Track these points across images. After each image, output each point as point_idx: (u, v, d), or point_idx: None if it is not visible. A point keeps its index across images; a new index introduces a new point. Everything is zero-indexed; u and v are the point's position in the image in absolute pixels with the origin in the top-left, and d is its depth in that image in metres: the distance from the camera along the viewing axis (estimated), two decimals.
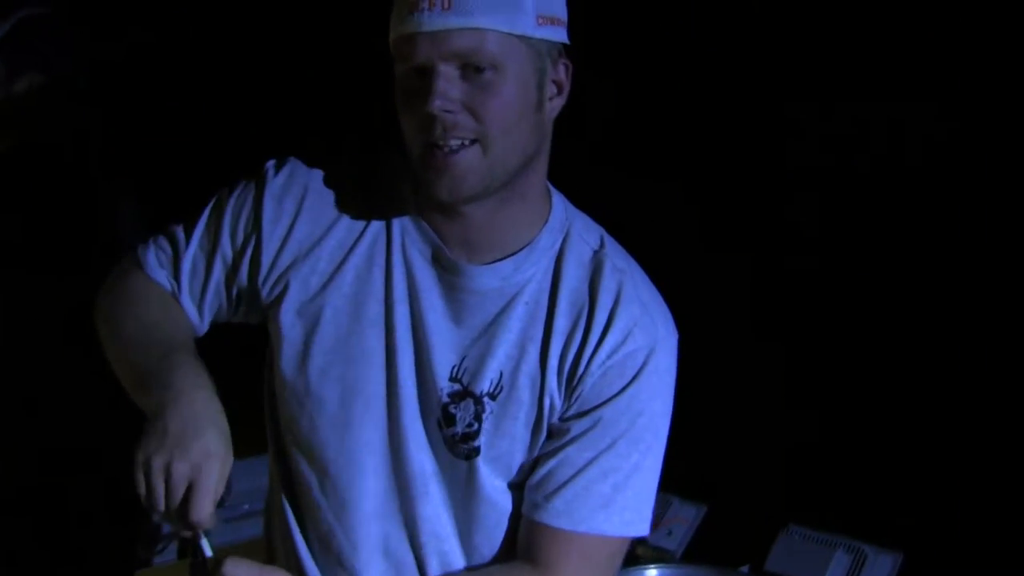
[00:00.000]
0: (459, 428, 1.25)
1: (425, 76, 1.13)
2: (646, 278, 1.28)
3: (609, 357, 1.22)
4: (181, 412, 1.11)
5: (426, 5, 1.11)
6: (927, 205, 2.28)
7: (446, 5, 1.10)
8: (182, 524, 1.10)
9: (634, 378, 1.22)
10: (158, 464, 1.08)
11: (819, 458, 2.66)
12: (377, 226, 1.27)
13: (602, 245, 1.27)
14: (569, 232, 1.27)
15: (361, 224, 1.27)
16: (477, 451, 1.26)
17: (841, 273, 2.45)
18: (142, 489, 1.09)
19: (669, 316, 1.27)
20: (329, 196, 1.28)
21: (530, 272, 1.24)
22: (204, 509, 1.08)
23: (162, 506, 1.09)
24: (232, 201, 1.31)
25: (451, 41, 1.11)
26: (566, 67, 1.21)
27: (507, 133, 1.16)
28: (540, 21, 1.15)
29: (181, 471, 1.07)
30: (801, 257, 2.53)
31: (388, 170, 1.29)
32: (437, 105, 1.12)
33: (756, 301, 2.60)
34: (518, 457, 1.27)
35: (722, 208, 2.72)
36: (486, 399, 1.24)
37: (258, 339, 1.43)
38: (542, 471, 1.25)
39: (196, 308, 1.33)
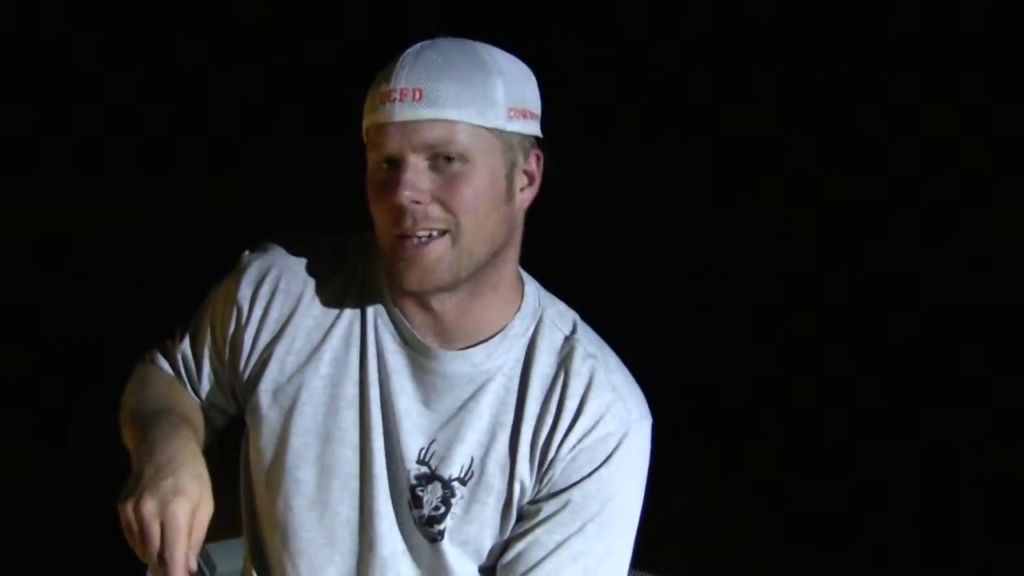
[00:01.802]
0: (425, 511, 1.26)
1: (395, 166, 1.15)
2: (620, 363, 1.28)
3: (580, 441, 1.22)
4: (155, 459, 1.13)
5: (397, 96, 1.12)
6: None
7: (417, 96, 1.12)
8: (163, 569, 1.10)
9: (605, 461, 1.22)
10: (128, 507, 1.09)
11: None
12: (353, 307, 1.27)
13: (574, 331, 1.27)
14: (542, 318, 1.27)
15: (338, 305, 1.27)
16: (442, 534, 1.26)
17: None
18: (127, 537, 1.11)
19: (643, 400, 1.27)
20: (305, 277, 1.28)
21: (502, 359, 1.24)
22: (175, 546, 1.07)
23: (139, 549, 1.10)
24: (217, 294, 1.33)
25: (422, 132, 1.12)
26: (537, 158, 1.21)
27: (476, 223, 1.16)
28: (511, 114, 1.16)
29: (149, 509, 1.08)
30: None
31: (362, 251, 1.29)
32: (406, 196, 1.13)
33: None
34: (487, 541, 1.27)
35: None
36: (456, 484, 1.25)
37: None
38: (512, 553, 1.25)
39: (197, 397, 1.36)
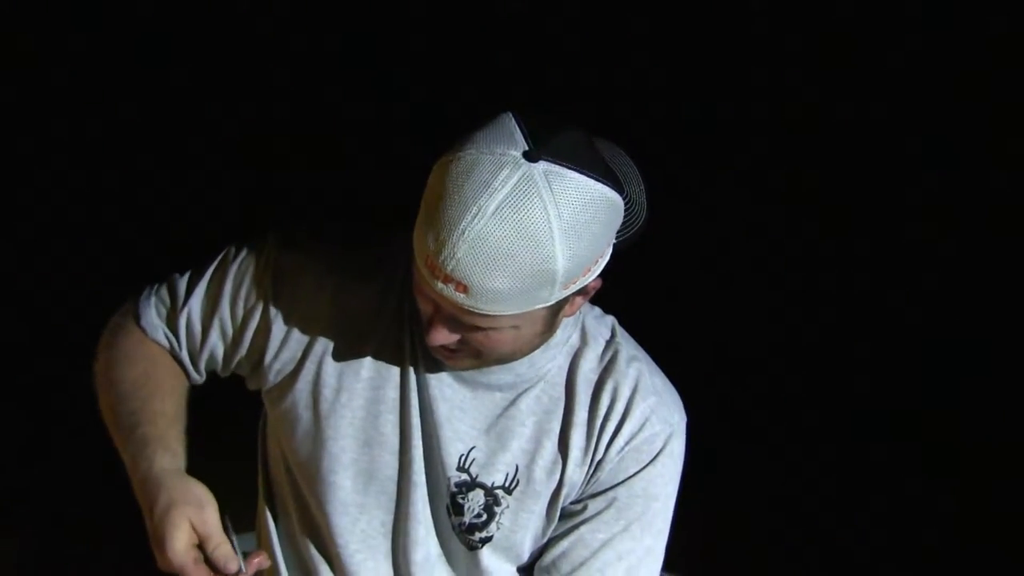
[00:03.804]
0: (466, 518, 1.26)
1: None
2: (656, 366, 1.29)
3: (628, 443, 1.23)
4: (147, 504, 1.12)
5: (441, 278, 1.02)
6: None
7: (461, 290, 1.02)
8: None
9: (651, 462, 1.23)
10: (155, 552, 1.10)
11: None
12: (394, 310, 1.24)
13: (614, 335, 1.28)
14: (583, 325, 1.26)
15: (378, 307, 1.24)
16: (483, 542, 1.26)
17: None
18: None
19: (680, 403, 1.28)
20: (344, 274, 1.23)
21: (545, 367, 1.24)
22: (176, 552, 1.07)
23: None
24: (235, 268, 1.26)
25: (460, 316, 1.06)
26: (595, 289, 1.13)
27: (509, 356, 1.17)
28: (568, 287, 1.06)
29: (164, 567, 1.09)
30: None
31: (403, 253, 1.15)
32: (436, 342, 1.11)
33: None
34: (528, 544, 1.28)
35: None
36: (500, 492, 1.25)
37: (248, 421, 1.44)
38: (555, 551, 1.26)
39: (192, 364, 1.31)
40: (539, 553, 1.29)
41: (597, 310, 1.31)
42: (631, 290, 1.54)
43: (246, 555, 1.11)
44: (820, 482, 2.82)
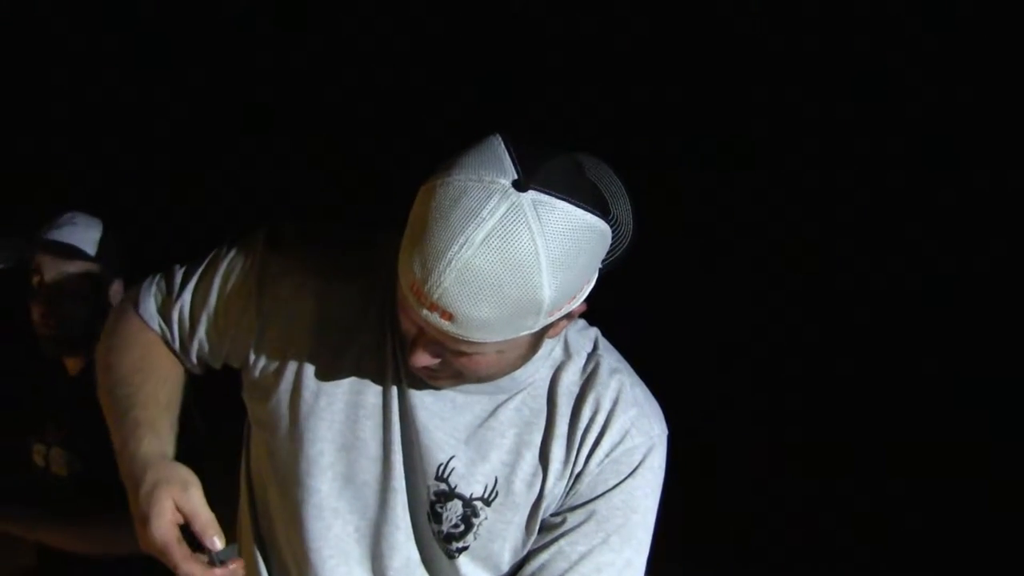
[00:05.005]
0: (444, 527, 1.25)
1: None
2: (638, 378, 1.28)
3: (608, 455, 1.22)
4: (132, 485, 1.17)
5: (427, 306, 1.01)
6: None
7: (447, 318, 1.01)
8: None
9: (631, 474, 1.22)
10: (139, 531, 1.15)
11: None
12: (377, 315, 1.23)
13: (596, 347, 1.27)
14: (566, 339, 1.26)
15: (362, 311, 1.23)
16: (460, 551, 1.26)
17: None
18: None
19: (661, 414, 1.27)
20: (330, 276, 1.23)
21: (526, 380, 1.23)
22: (169, 560, 1.11)
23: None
24: (225, 265, 1.28)
25: (444, 342, 1.06)
26: (580, 312, 1.13)
27: (490, 377, 1.17)
28: (552, 315, 1.05)
29: (145, 546, 1.14)
30: None
31: (391, 257, 1.10)
32: (418, 364, 1.11)
33: None
34: (507, 555, 1.27)
35: None
36: (478, 503, 1.24)
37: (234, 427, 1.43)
38: (535, 564, 1.25)
39: (184, 354, 1.33)
40: (519, 565, 1.28)
41: (581, 322, 1.30)
42: (631, 290, 1.53)
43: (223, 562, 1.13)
44: (819, 483, 2.82)
